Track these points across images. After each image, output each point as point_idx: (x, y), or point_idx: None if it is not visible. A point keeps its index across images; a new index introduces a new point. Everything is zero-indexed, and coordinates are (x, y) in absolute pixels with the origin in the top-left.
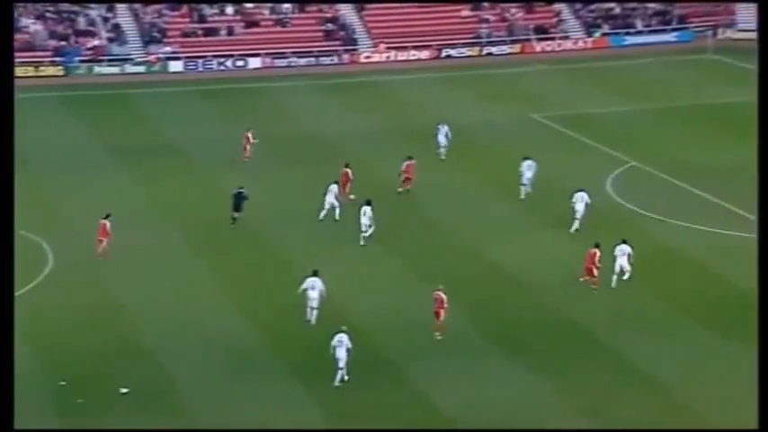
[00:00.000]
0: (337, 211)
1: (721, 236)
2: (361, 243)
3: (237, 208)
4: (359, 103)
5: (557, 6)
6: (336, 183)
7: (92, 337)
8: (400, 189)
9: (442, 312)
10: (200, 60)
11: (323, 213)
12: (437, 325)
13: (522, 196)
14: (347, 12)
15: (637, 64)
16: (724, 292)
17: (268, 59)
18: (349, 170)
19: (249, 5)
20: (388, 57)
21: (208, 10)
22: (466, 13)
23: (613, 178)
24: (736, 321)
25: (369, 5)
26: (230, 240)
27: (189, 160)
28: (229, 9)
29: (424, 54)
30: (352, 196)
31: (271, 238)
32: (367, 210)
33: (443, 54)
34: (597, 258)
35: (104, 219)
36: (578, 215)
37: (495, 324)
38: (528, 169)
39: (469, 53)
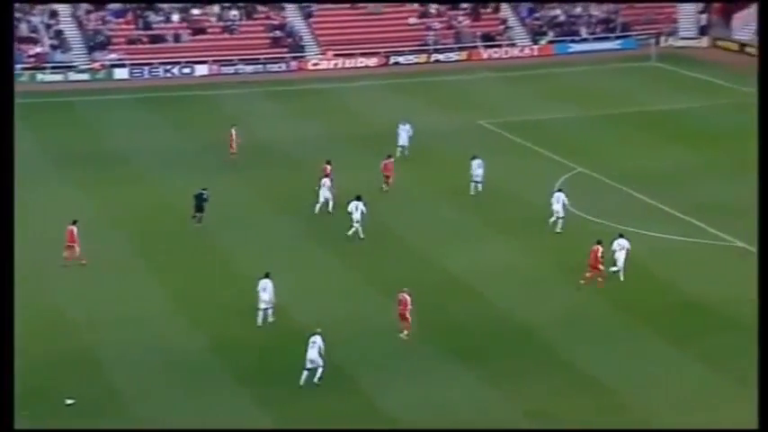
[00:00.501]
0: (330, 204)
1: (664, 240)
2: (361, 236)
3: (200, 209)
4: (306, 110)
5: (503, 14)
6: (326, 176)
7: (37, 348)
8: (385, 188)
9: (407, 314)
10: (146, 67)
11: (318, 207)
12: (402, 325)
13: (473, 193)
14: (295, 19)
15: (582, 71)
16: (666, 295)
17: (215, 66)
18: (329, 166)
19: (196, 12)
20: (335, 64)
21: (154, 17)
22: (413, 20)
23: (561, 184)
24: (678, 324)
25: (316, 13)
26: (178, 249)
27: (135, 169)
28: (176, 16)
29: (372, 61)
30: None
31: (220, 247)
32: (359, 205)
33: (391, 61)
34: (600, 254)
35: (72, 225)
36: (559, 215)
37: (446, 330)
38: (478, 167)
39: (417, 60)
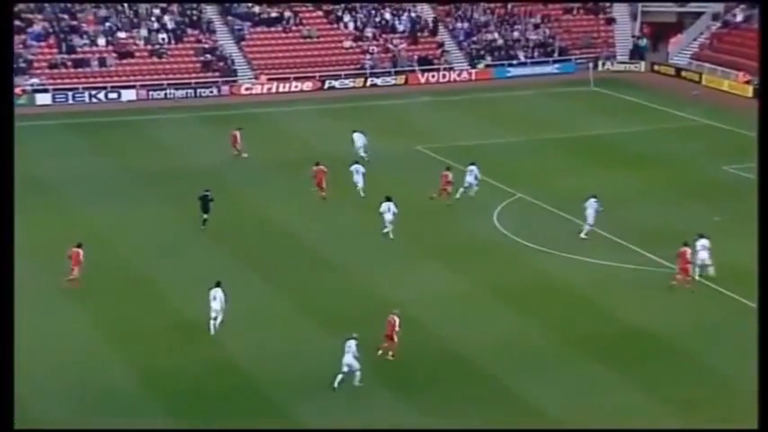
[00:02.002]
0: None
1: (604, 266)
2: (391, 236)
3: (205, 210)
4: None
5: (440, 38)
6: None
7: None
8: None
9: (394, 335)
10: (70, 92)
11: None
12: (388, 345)
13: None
14: (226, 42)
15: (520, 95)
16: (607, 322)
17: (143, 91)
18: (323, 167)
19: (122, 35)
20: (269, 88)
21: (78, 40)
22: (349, 43)
23: (500, 211)
24: (617, 352)
25: (248, 36)
26: (105, 279)
27: (61, 197)
28: (101, 40)
29: (307, 85)
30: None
31: (149, 277)
32: (391, 206)
33: (327, 85)
34: (689, 255)
35: (76, 247)
36: (589, 220)
37: (381, 360)
38: (470, 174)
39: (353, 84)
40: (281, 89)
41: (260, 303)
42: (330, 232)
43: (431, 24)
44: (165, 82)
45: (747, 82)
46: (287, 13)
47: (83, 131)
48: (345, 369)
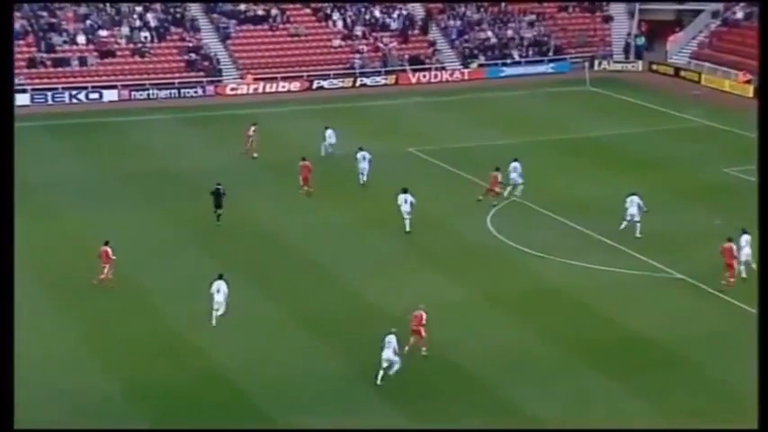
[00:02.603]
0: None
1: (601, 272)
2: (407, 229)
3: (218, 204)
4: (224, 137)
5: (432, 36)
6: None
7: None
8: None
9: (422, 330)
10: (50, 93)
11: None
12: (415, 341)
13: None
14: (211, 41)
15: (514, 96)
16: (605, 329)
17: (125, 92)
18: (308, 162)
19: (103, 33)
20: (255, 88)
21: (57, 38)
22: (338, 42)
23: (493, 214)
24: (617, 360)
25: (234, 35)
26: (88, 286)
27: (40, 201)
28: (81, 38)
29: (295, 85)
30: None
31: (134, 282)
32: (408, 197)
33: (315, 85)
34: (734, 251)
35: (105, 245)
36: (635, 218)
37: (375, 369)
38: (513, 171)
39: (342, 84)
40: (267, 89)
41: (249, 310)
42: (321, 235)
43: (422, 23)
44: (147, 82)
45: (748, 82)
46: (274, 11)
47: (63, 133)
48: (385, 364)
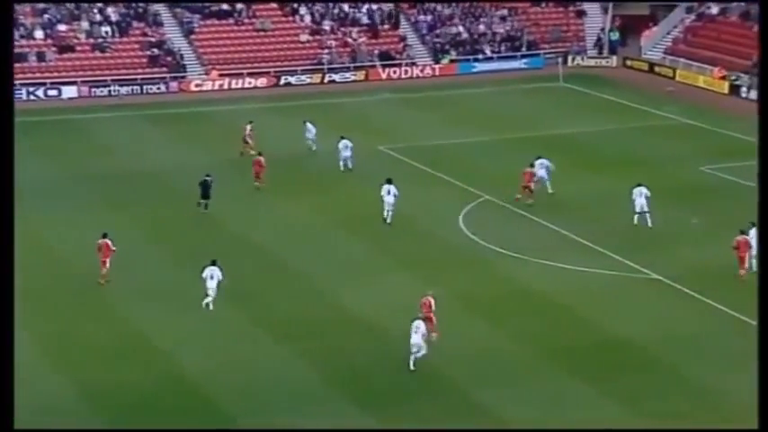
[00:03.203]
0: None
1: (577, 273)
2: (388, 222)
3: (206, 195)
4: (188, 135)
5: (402, 31)
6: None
7: None
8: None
9: (433, 316)
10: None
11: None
12: (431, 328)
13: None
14: (174, 35)
15: (487, 92)
16: (581, 332)
17: (85, 88)
18: (261, 158)
19: (62, 28)
20: (221, 85)
21: (14, 33)
22: (305, 37)
23: (466, 214)
24: (593, 364)
25: (198, 29)
26: (51, 290)
27: None
28: (39, 32)
29: (261, 81)
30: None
31: (95, 289)
32: (391, 188)
33: (282, 81)
34: (753, 241)
35: (103, 238)
36: (644, 209)
37: (349, 373)
38: (540, 167)
39: (310, 80)
40: (233, 85)
41: (212, 313)
42: (289, 236)
43: (390, 16)
44: (108, 78)
45: (723, 78)
46: (239, 5)
47: (19, 131)
48: (414, 350)
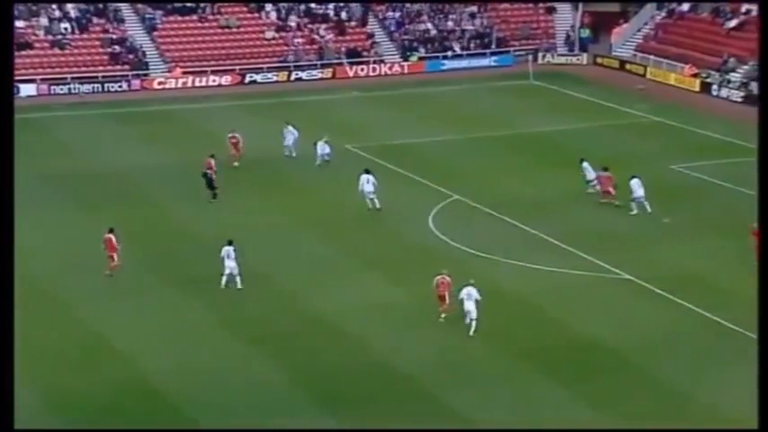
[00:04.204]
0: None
1: (548, 273)
2: (377, 207)
3: (210, 186)
4: (151, 134)
5: (370, 28)
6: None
7: None
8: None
9: (447, 295)
10: None
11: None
12: (444, 308)
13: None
14: (136, 32)
15: (456, 90)
16: (552, 333)
17: (44, 86)
18: (212, 160)
19: (20, 25)
20: (184, 82)
21: None
22: (271, 34)
23: (435, 214)
24: (564, 365)
25: (161, 26)
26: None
27: None
28: None
29: (226, 79)
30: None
31: (56, 291)
32: (370, 178)
33: (247, 79)
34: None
35: (109, 233)
36: (643, 199)
37: (318, 376)
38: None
39: (276, 78)
40: (197, 83)
41: (177, 317)
42: (254, 237)
43: (359, 14)
44: (68, 76)
45: (695, 75)
46: (203, 2)
47: None
48: (473, 315)
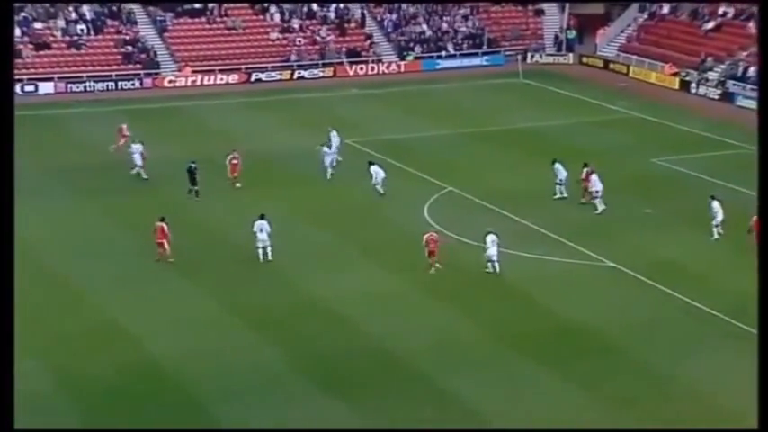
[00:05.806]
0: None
1: (537, 262)
2: (381, 192)
3: (193, 182)
4: (161, 130)
5: (368, 29)
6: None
7: None
8: (238, 183)
9: (436, 249)
10: None
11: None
12: (433, 261)
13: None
14: (148, 33)
15: (450, 88)
16: (540, 319)
17: (62, 84)
18: (238, 155)
19: (38, 26)
20: (193, 81)
21: None
22: (275, 35)
23: (430, 205)
24: (552, 349)
25: (171, 27)
26: (20, 279)
27: None
28: (16, 31)
29: (233, 78)
30: (238, 185)
31: (68, 277)
32: (377, 169)
33: (253, 78)
34: None
35: (160, 221)
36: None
37: (315, 360)
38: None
39: (280, 77)
40: (205, 82)
41: (184, 303)
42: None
43: (359, 16)
44: (84, 74)
45: (674, 74)
46: (211, 4)
47: None
48: (494, 258)
